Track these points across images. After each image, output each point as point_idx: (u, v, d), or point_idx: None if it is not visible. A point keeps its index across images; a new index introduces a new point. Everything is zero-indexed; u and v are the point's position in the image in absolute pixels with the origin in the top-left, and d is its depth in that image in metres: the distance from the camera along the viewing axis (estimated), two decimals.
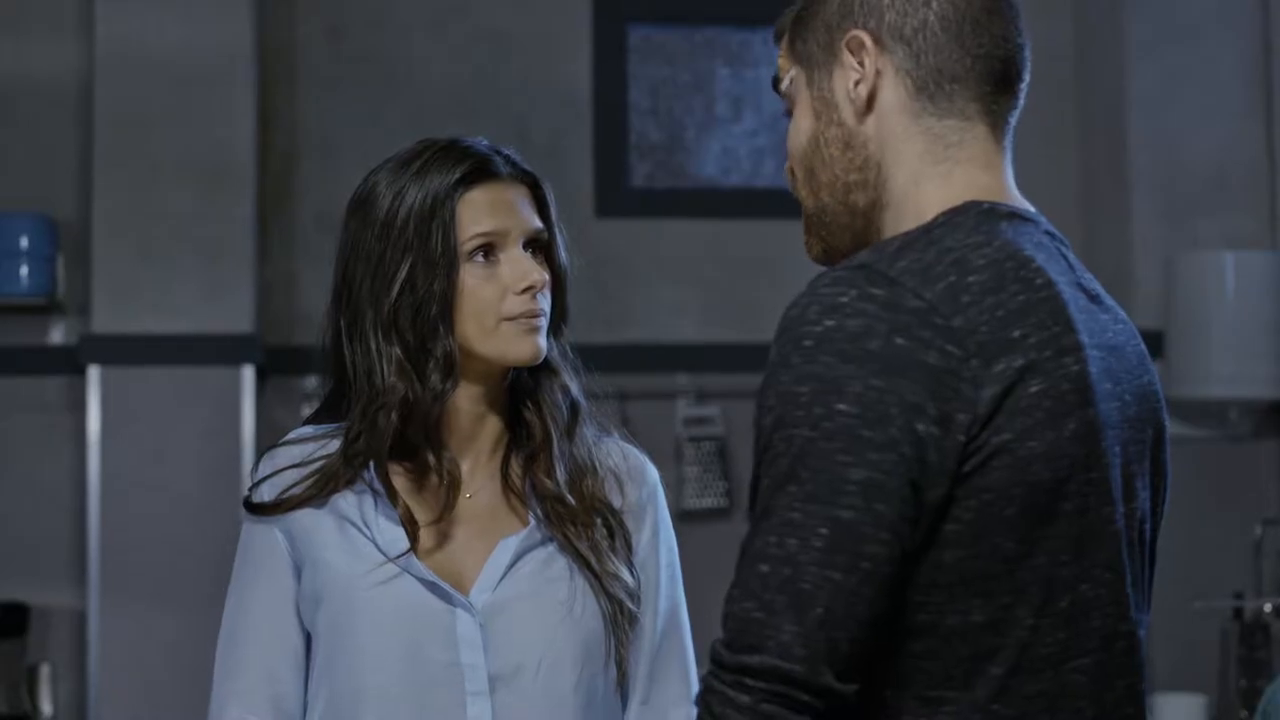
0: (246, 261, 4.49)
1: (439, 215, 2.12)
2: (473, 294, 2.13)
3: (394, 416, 2.13)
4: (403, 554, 2.11)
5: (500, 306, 2.13)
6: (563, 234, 2.22)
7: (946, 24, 1.72)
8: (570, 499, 2.16)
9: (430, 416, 2.14)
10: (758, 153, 5.05)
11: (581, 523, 2.16)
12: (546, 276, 2.16)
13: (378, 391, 2.13)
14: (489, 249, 2.14)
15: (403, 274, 2.12)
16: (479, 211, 2.14)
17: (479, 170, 2.15)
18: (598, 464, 2.22)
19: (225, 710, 2.15)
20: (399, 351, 2.13)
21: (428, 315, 2.12)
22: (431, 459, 2.16)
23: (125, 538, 4.37)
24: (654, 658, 2.20)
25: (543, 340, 2.16)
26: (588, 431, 2.23)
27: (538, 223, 2.18)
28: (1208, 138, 4.88)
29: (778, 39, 1.83)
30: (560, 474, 2.17)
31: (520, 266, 2.14)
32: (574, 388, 2.22)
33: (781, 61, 1.82)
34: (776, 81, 1.83)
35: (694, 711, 2.17)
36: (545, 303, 2.16)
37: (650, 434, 4.68)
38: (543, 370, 2.19)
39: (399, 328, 2.13)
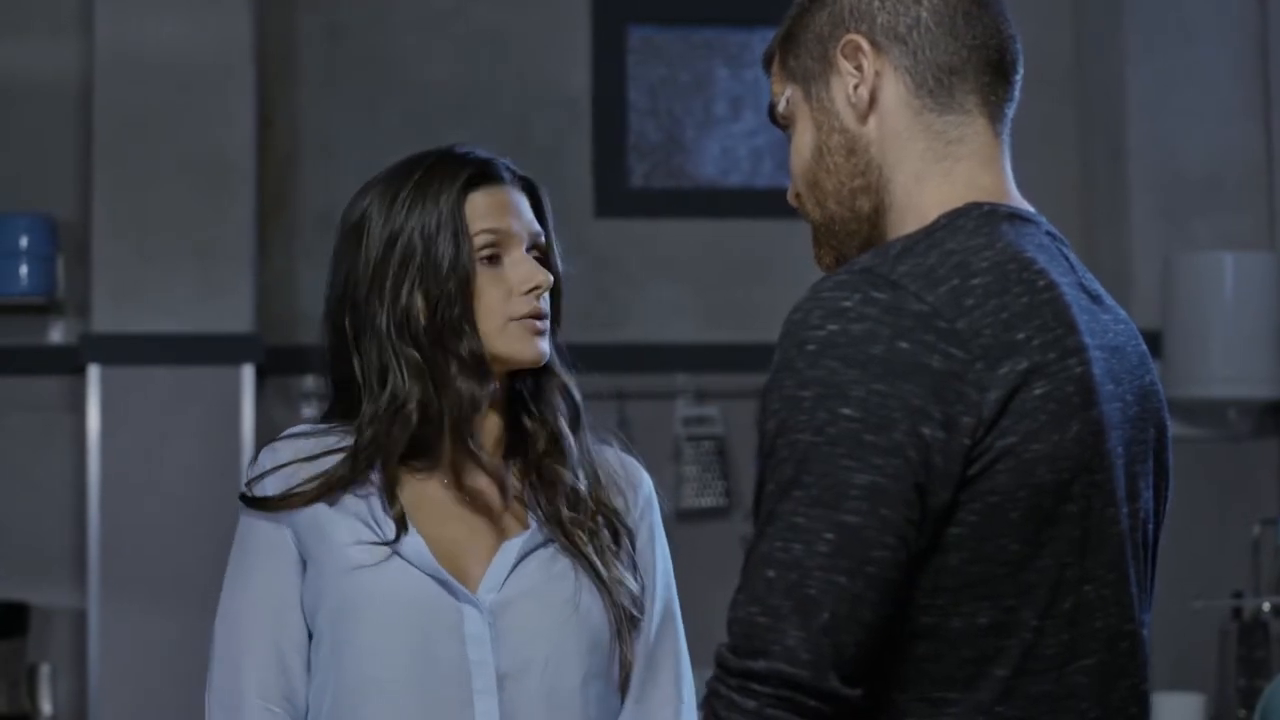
0: (246, 261, 4.49)
1: (448, 218, 2.13)
2: (479, 295, 2.14)
3: (413, 419, 2.13)
4: (412, 550, 2.11)
5: (506, 308, 2.14)
6: (558, 239, 2.24)
7: (939, 19, 1.73)
8: (572, 504, 2.17)
9: (463, 417, 2.14)
10: (756, 153, 5.05)
11: (585, 528, 2.17)
12: (551, 278, 2.17)
13: (395, 394, 2.13)
14: (495, 251, 2.15)
15: (413, 276, 2.12)
16: (486, 212, 2.16)
17: (482, 174, 2.17)
18: (598, 468, 2.22)
19: (244, 701, 2.12)
20: (416, 354, 2.13)
21: (449, 316, 2.12)
22: (435, 459, 2.16)
23: (125, 537, 4.37)
24: (648, 661, 2.20)
25: (547, 344, 2.17)
26: (588, 436, 2.24)
27: (538, 226, 2.20)
28: (1206, 139, 4.88)
29: (767, 64, 1.84)
30: (563, 478, 2.18)
31: (525, 268, 2.16)
32: (574, 391, 2.23)
33: (775, 86, 1.82)
34: (773, 109, 1.83)
35: (683, 710, 2.18)
36: (547, 305, 2.18)
37: (649, 434, 4.72)
38: (544, 373, 2.20)
39: (412, 330, 2.13)
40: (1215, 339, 4.67)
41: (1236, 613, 4.55)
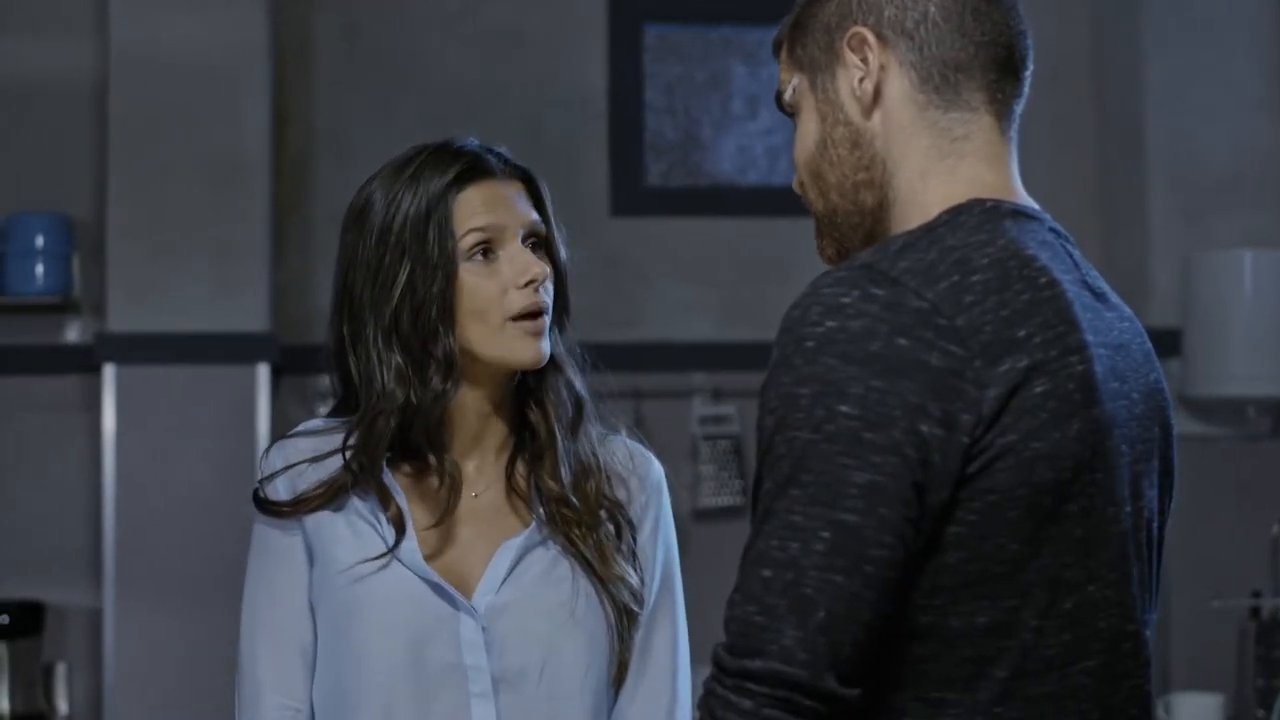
0: (262, 260, 4.49)
1: (435, 217, 2.12)
2: (474, 292, 2.12)
3: (391, 422, 2.13)
4: (406, 553, 2.11)
5: (503, 303, 2.12)
6: (561, 229, 2.21)
7: (947, 14, 1.72)
8: (575, 500, 2.16)
9: (431, 418, 2.14)
10: (773, 151, 5.04)
11: (586, 525, 2.15)
12: (548, 269, 2.15)
13: (377, 397, 2.13)
14: (488, 246, 2.13)
15: (402, 279, 2.11)
16: (474, 209, 2.13)
17: (472, 169, 2.15)
18: (602, 462, 2.20)
19: (262, 698, 2.14)
20: (399, 358, 2.12)
21: (428, 318, 2.11)
22: (433, 461, 2.16)
23: (140, 536, 4.37)
24: (641, 654, 2.18)
25: (546, 345, 2.15)
26: (593, 429, 2.22)
27: (535, 215, 2.17)
28: (1224, 136, 4.86)
29: (776, 51, 1.83)
30: (565, 474, 2.16)
31: (520, 261, 2.13)
32: (579, 384, 2.21)
33: (783, 74, 1.82)
34: (780, 95, 1.82)
35: (677, 705, 2.15)
36: (548, 297, 2.15)
37: (666, 432, 4.71)
38: (548, 365, 2.18)
39: (400, 334, 2.12)
40: (1234, 337, 4.64)
41: (1255, 612, 4.53)
